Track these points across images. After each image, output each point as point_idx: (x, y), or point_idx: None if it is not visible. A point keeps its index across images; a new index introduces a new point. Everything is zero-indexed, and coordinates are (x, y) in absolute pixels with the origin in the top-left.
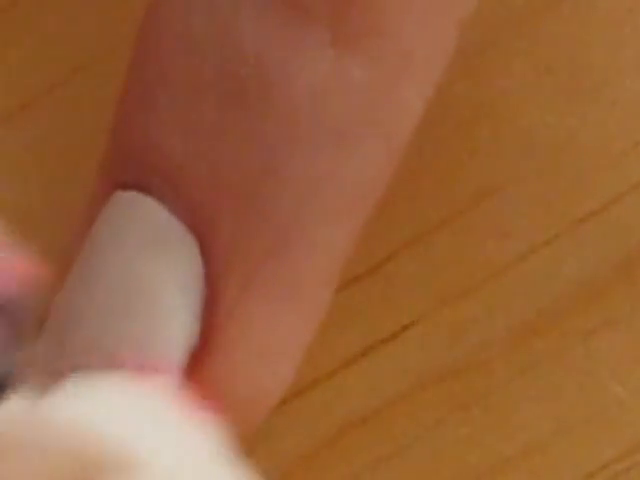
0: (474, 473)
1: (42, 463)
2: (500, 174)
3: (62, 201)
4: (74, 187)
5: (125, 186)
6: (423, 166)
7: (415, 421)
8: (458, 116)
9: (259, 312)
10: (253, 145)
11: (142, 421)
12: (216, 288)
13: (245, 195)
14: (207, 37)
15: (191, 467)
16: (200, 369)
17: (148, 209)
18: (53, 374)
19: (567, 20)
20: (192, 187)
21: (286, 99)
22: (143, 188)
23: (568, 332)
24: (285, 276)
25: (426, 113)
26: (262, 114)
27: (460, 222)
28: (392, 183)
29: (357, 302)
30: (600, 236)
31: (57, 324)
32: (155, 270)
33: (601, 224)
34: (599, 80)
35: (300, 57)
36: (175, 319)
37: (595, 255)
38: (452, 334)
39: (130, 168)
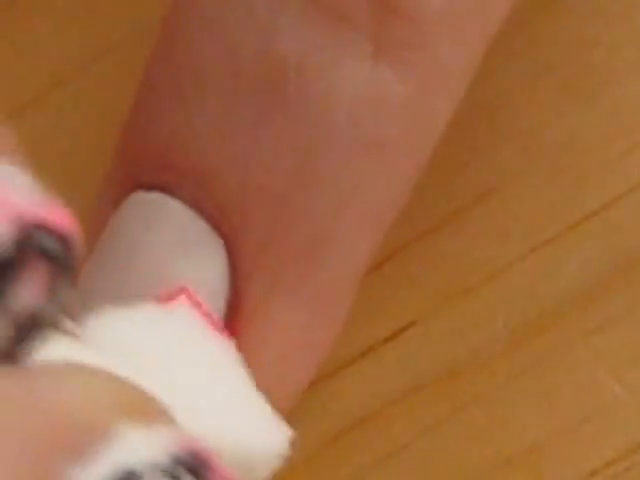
0: (474, 473)
1: None
2: (500, 174)
3: (64, 201)
4: (74, 187)
5: (146, 186)
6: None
7: (415, 421)
8: (458, 116)
9: (282, 315)
10: (288, 150)
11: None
12: (241, 290)
13: (277, 199)
14: (246, 41)
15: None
16: None
17: (175, 210)
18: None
19: (567, 20)
20: (224, 190)
21: (324, 106)
22: (168, 189)
23: (568, 332)
24: (310, 281)
25: None
26: (299, 120)
27: (460, 222)
28: None
29: (357, 302)
30: (600, 236)
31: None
32: (181, 272)
33: (601, 224)
34: (599, 80)
35: (341, 66)
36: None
37: (595, 255)
38: (452, 334)
39: (153, 168)
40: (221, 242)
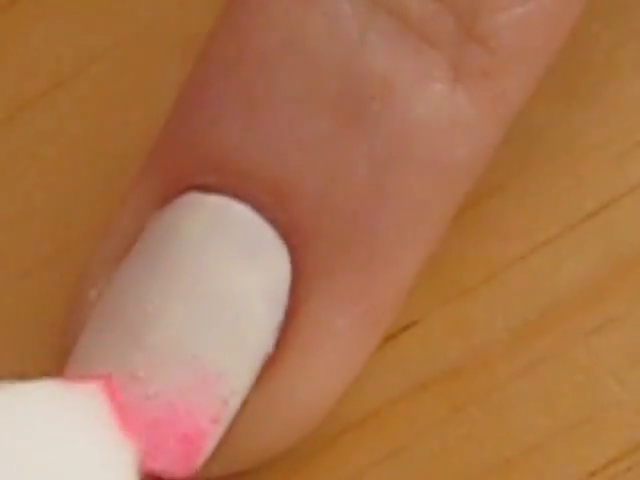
0: (474, 473)
1: None
2: (500, 174)
3: (64, 201)
4: (74, 186)
5: (201, 188)
6: None
7: (415, 421)
8: None
9: (338, 325)
10: (364, 164)
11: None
12: (300, 297)
13: (347, 211)
14: (328, 53)
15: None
16: (272, 372)
17: (241, 215)
18: (123, 361)
19: None
20: (299, 198)
21: (404, 124)
22: (228, 192)
23: (568, 332)
24: (365, 295)
25: None
26: (378, 135)
27: (460, 222)
28: None
29: None
30: (600, 236)
31: (127, 318)
32: (245, 278)
33: (601, 224)
34: (599, 80)
35: (424, 87)
36: (259, 329)
37: (595, 255)
38: (452, 334)
39: (213, 170)
40: (286, 250)
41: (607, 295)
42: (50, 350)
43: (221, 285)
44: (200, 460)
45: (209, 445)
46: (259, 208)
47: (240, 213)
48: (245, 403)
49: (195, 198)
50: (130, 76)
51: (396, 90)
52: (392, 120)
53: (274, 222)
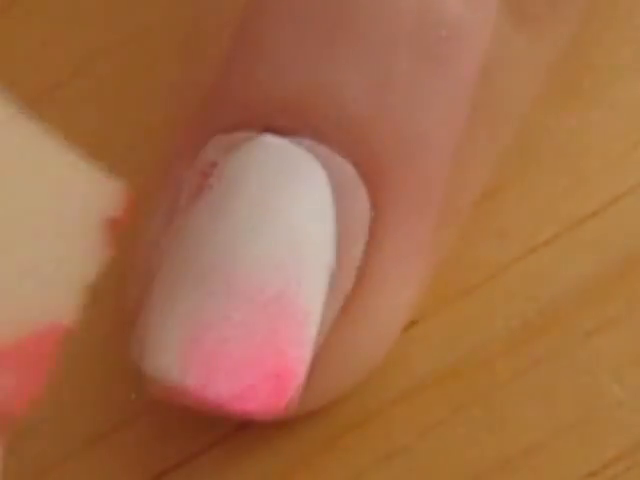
0: (474, 473)
1: None
2: (500, 174)
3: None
4: None
5: (269, 130)
6: None
7: (415, 421)
8: None
9: (390, 225)
10: (439, 101)
11: None
12: (380, 228)
13: (422, 147)
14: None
15: None
16: (351, 301)
17: (281, 146)
18: (205, 309)
19: None
20: (379, 139)
21: (472, 63)
22: (299, 134)
23: (568, 332)
24: (410, 190)
25: None
26: (450, 74)
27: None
28: None
29: None
30: (600, 236)
31: (203, 265)
32: (292, 200)
33: (601, 224)
34: (599, 80)
35: (489, 30)
36: (314, 244)
37: (595, 255)
38: (452, 334)
39: (283, 112)
40: (364, 188)
41: (607, 295)
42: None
43: (276, 211)
44: (289, 397)
45: (297, 382)
46: (338, 148)
47: (271, 144)
48: (327, 339)
49: (268, 139)
50: (130, 76)
51: (467, 30)
52: (462, 60)
53: (354, 161)
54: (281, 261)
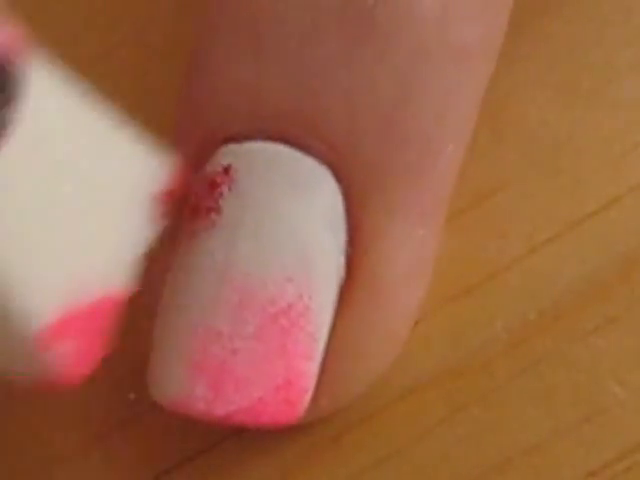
0: (474, 473)
1: None
2: (500, 174)
3: None
4: None
5: (237, 138)
6: None
7: (415, 422)
8: None
9: (402, 233)
10: (386, 72)
11: None
12: (358, 217)
13: (382, 120)
14: None
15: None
16: (347, 296)
17: (290, 156)
18: (206, 319)
19: (567, 20)
20: (331, 124)
21: (413, 22)
22: (261, 136)
23: (568, 332)
24: (422, 194)
25: None
26: (391, 40)
27: (460, 222)
28: None
29: None
30: (600, 236)
31: (202, 274)
32: (305, 211)
33: (601, 224)
34: (599, 80)
35: None
36: (327, 257)
37: (595, 255)
38: (452, 334)
39: (241, 118)
40: (332, 175)
41: (607, 295)
42: None
43: (287, 222)
44: (304, 402)
45: (309, 385)
46: (296, 143)
47: (289, 155)
48: (332, 335)
49: (236, 148)
50: (130, 76)
51: None
52: (401, 23)
53: (316, 153)
54: (293, 273)
